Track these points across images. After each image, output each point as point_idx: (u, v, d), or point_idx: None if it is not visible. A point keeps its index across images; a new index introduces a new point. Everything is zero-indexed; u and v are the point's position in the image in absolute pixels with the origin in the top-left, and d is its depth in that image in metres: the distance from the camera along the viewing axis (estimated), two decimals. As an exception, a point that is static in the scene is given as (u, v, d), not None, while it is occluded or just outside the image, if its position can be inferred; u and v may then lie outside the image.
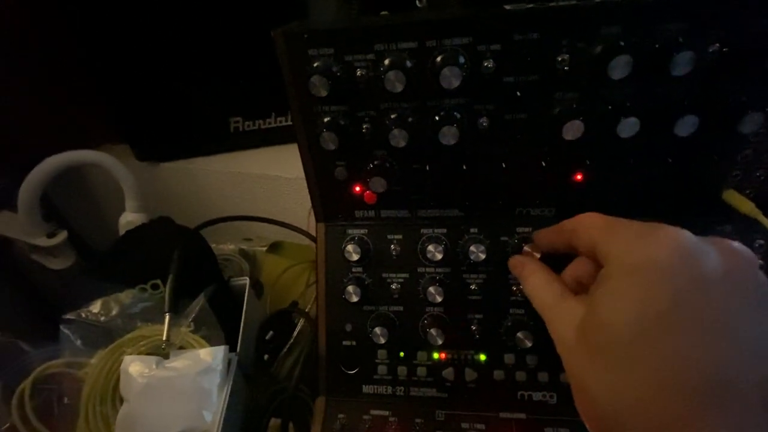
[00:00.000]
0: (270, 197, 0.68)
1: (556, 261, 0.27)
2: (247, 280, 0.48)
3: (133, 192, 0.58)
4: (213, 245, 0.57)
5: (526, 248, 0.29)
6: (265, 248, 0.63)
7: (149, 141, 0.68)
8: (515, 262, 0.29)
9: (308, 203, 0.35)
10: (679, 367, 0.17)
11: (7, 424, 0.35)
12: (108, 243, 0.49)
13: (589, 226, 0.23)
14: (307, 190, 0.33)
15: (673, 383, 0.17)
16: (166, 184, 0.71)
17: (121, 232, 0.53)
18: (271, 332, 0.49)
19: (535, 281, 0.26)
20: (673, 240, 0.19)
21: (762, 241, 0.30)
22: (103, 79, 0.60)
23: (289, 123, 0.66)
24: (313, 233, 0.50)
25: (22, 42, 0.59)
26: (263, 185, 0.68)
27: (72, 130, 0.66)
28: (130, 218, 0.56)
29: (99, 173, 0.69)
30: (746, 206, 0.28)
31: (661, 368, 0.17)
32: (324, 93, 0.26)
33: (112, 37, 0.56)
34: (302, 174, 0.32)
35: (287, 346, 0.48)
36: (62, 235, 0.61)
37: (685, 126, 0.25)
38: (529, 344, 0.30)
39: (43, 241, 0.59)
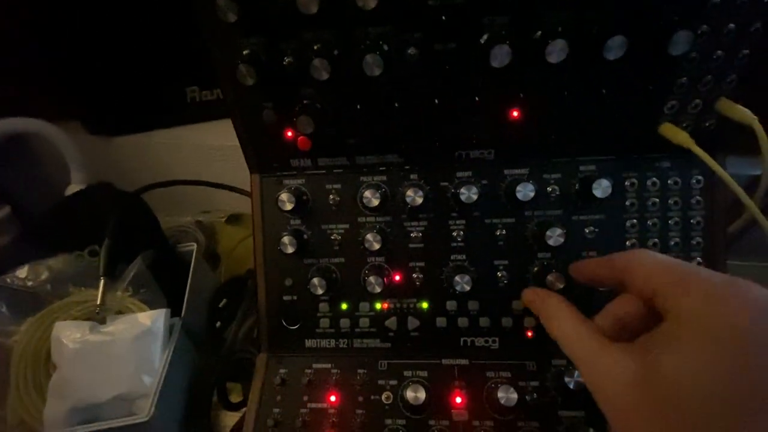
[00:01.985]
0: (230, 169, 0.65)
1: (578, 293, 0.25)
2: (194, 246, 0.46)
3: (78, 163, 0.55)
4: (168, 217, 0.55)
5: (549, 277, 0.28)
6: (223, 219, 0.61)
7: (100, 114, 0.64)
8: (533, 296, 0.26)
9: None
10: None
11: (-72, 396, 0.33)
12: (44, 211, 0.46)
13: (650, 269, 0.21)
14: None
15: None
16: (120, 158, 0.68)
17: (65, 204, 0.50)
18: (224, 300, 0.48)
19: (565, 326, 0.23)
20: (755, 302, 0.17)
21: (700, 177, 0.30)
22: (50, 50, 0.56)
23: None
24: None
25: None
26: (222, 157, 0.65)
27: (22, 106, 0.62)
28: (76, 190, 0.53)
29: (44, 147, 0.65)
30: (681, 137, 0.27)
31: None
32: (233, 18, 0.24)
33: (59, 6, 0.52)
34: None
35: (240, 313, 0.47)
36: (4, 211, 0.58)
37: (614, 48, 0.24)
38: (468, 288, 0.30)
39: (-19, 217, 0.56)
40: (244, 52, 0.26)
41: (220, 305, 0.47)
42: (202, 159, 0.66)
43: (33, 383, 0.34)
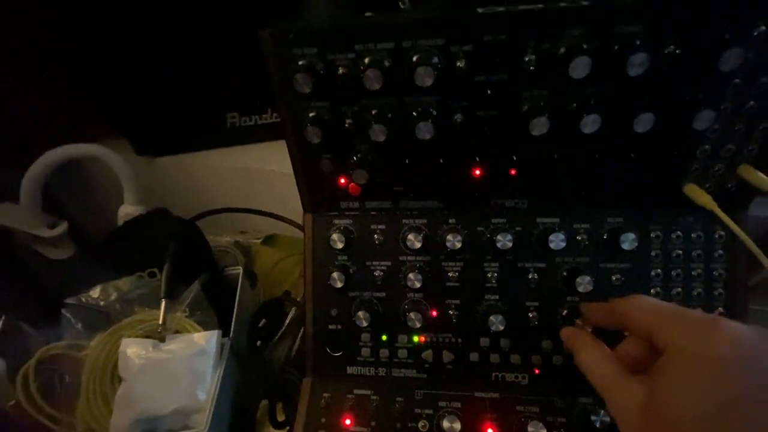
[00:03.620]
0: (264, 191, 0.70)
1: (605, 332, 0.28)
2: (240, 270, 0.50)
3: (131, 185, 0.60)
4: (209, 237, 0.59)
5: (578, 322, 0.30)
6: (259, 241, 0.65)
7: (148, 135, 0.69)
8: (568, 334, 0.29)
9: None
10: None
11: (13, 401, 0.37)
12: (106, 234, 0.51)
13: (645, 312, 0.24)
14: (301, 185, 0.35)
15: None
16: (163, 177, 0.73)
17: (120, 224, 0.55)
18: (264, 320, 0.52)
19: (590, 358, 0.26)
20: (733, 335, 0.20)
21: (722, 233, 0.32)
22: (102, 75, 0.62)
23: (285, 119, 0.68)
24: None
25: (23, 40, 0.60)
26: (258, 179, 0.69)
27: (72, 125, 0.67)
28: (128, 210, 0.57)
29: (97, 166, 0.70)
30: (704, 199, 0.29)
31: None
32: (308, 90, 0.27)
33: (112, 34, 0.57)
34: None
35: (279, 333, 0.50)
36: (63, 227, 0.63)
37: (643, 123, 0.26)
38: (501, 327, 0.32)
39: (44, 232, 0.61)
40: (311, 115, 0.30)
41: (260, 325, 0.51)
42: (239, 180, 0.70)
43: (100, 394, 0.38)
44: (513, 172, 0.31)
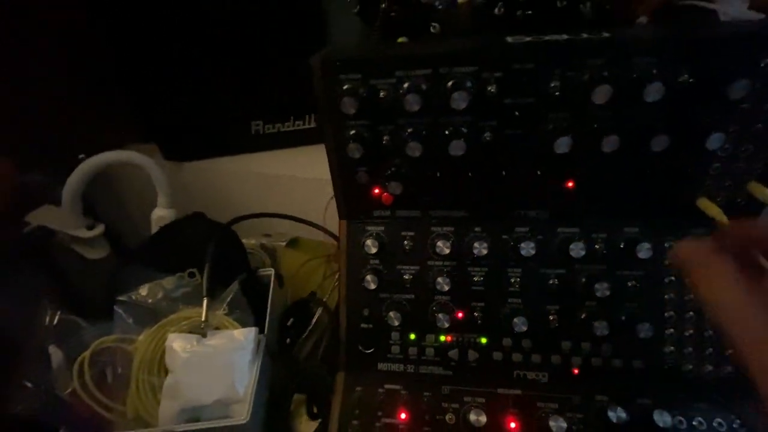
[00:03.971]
0: (286, 196, 0.73)
1: None
2: (272, 272, 0.53)
3: (165, 189, 0.63)
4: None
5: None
6: (284, 243, 0.68)
7: (176, 141, 0.73)
8: (688, 252, 0.21)
9: (322, 202, 0.40)
10: None
11: (70, 389, 0.40)
12: (137, 236, 0.54)
13: None
14: (321, 190, 0.38)
15: None
16: (190, 181, 0.77)
17: (153, 225, 0.58)
18: (291, 319, 0.55)
19: (728, 295, 0.19)
20: None
21: (731, 243, 0.34)
22: (134, 84, 0.66)
23: (306, 126, 0.72)
24: (330, 230, 0.55)
25: (58, 51, 0.64)
26: (281, 184, 0.72)
27: (104, 131, 0.71)
28: (161, 213, 0.61)
29: (126, 171, 0.74)
30: (714, 211, 0.32)
31: None
32: (352, 111, 0.30)
33: (143, 45, 0.61)
34: (317, 175, 0.37)
35: (307, 332, 0.53)
36: (100, 228, 0.66)
37: (659, 143, 0.29)
38: (524, 329, 0.35)
39: (83, 233, 0.64)
40: (352, 132, 0.33)
41: (288, 324, 0.54)
42: (262, 185, 0.74)
43: (149, 384, 0.41)
44: (537, 185, 0.34)
